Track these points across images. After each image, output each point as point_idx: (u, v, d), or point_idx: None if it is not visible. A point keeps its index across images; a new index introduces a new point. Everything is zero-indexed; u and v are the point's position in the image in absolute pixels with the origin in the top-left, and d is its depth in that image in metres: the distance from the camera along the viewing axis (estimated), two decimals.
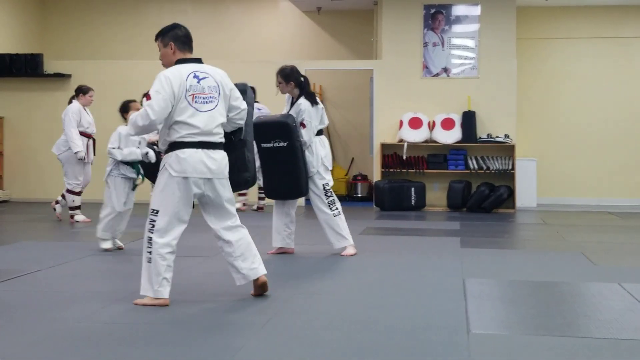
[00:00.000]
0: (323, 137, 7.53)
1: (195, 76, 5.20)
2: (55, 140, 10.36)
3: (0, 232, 9.51)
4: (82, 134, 10.05)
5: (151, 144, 9.85)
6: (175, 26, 5.43)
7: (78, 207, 10.25)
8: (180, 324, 4.81)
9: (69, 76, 13.22)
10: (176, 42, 5.35)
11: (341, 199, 13.79)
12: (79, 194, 10.21)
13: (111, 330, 4.66)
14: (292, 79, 7.36)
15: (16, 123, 13.14)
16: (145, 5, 14.97)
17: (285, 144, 7.18)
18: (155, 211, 5.19)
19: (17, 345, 4.32)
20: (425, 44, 12.86)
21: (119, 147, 7.51)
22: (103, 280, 6.32)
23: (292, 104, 7.44)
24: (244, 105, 5.46)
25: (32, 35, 14.70)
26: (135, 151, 7.51)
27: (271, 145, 7.22)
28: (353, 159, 14.80)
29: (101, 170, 10.71)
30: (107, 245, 7.57)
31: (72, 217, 10.25)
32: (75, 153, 9.93)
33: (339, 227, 7.41)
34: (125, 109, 7.77)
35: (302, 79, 7.43)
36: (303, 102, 7.32)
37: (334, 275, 6.70)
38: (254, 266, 5.38)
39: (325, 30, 14.93)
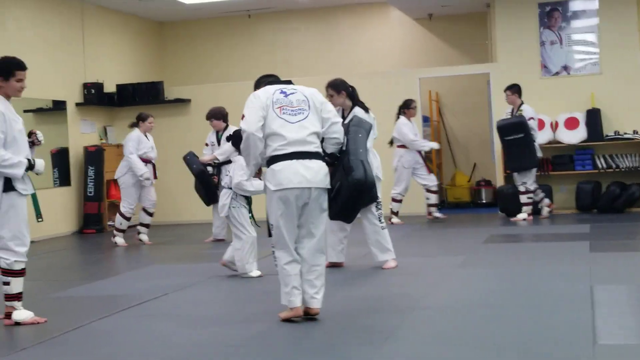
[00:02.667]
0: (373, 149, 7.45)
1: (282, 92, 5.36)
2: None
3: (133, 257, 9.81)
4: (142, 159, 10.36)
5: (205, 164, 9.92)
6: (257, 80, 5.71)
7: (123, 231, 10.57)
8: (296, 344, 4.82)
9: (189, 101, 13.59)
10: (262, 85, 5.57)
11: (465, 205, 13.67)
12: (128, 219, 10.52)
13: (234, 353, 4.71)
14: (342, 89, 7.38)
15: None
16: (257, 26, 15.21)
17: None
18: (272, 225, 5.32)
19: None
20: (543, 43, 12.51)
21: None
22: (224, 303, 6.41)
23: (343, 116, 7.33)
24: (337, 118, 5.47)
25: (151, 64, 15.20)
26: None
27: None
28: (475, 164, 14.54)
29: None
30: (256, 272, 7.38)
31: (113, 236, 10.61)
32: (140, 176, 10.27)
33: (385, 240, 7.47)
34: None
35: (350, 89, 7.45)
36: (358, 110, 7.33)
37: (450, 288, 6.56)
38: (316, 297, 5.32)
39: (438, 36, 14.75)
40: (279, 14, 15.11)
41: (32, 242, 5.91)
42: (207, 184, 9.80)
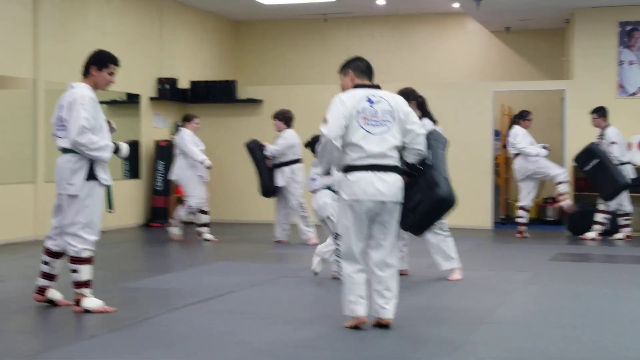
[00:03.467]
0: None
1: (368, 100, 5.27)
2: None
3: (199, 252, 9.90)
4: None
5: (262, 147, 10.02)
6: (357, 58, 5.59)
7: (206, 225, 10.68)
8: (361, 351, 4.80)
9: (261, 101, 13.67)
10: (355, 70, 5.51)
11: (531, 222, 13.43)
12: (206, 212, 10.67)
13: (300, 354, 4.72)
14: (412, 98, 7.27)
15: (214, 147, 13.61)
16: (332, 30, 15.25)
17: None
18: (339, 236, 5.33)
19: None
20: (621, 63, 12.28)
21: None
22: (290, 304, 6.42)
23: None
24: (421, 130, 5.39)
25: (226, 63, 15.35)
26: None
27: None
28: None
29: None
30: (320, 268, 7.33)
31: (199, 234, 10.69)
32: (202, 162, 10.39)
33: (449, 249, 7.41)
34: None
35: (420, 99, 7.41)
36: (427, 122, 7.27)
37: (518, 304, 6.47)
38: (386, 307, 5.29)
39: (514, 50, 14.59)
40: (355, 19, 15.12)
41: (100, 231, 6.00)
42: (258, 161, 10.06)
